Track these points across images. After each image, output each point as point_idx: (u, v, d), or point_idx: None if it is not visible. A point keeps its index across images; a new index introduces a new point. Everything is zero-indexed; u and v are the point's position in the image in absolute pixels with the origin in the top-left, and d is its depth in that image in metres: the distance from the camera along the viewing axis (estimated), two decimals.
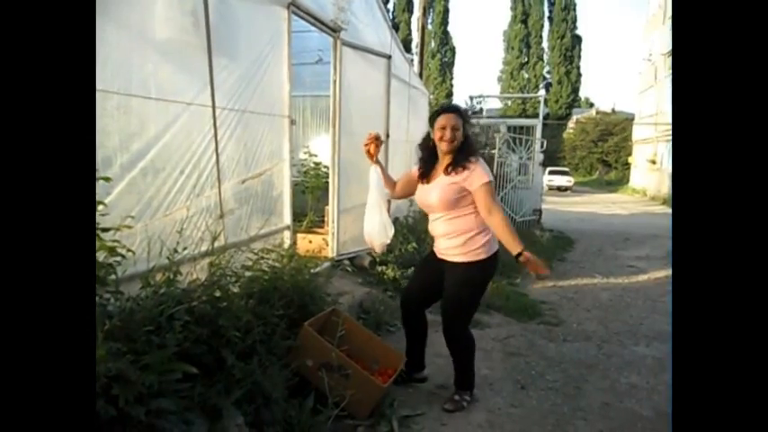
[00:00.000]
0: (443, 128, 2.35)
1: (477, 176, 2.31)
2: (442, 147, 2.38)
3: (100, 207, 1.69)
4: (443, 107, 2.48)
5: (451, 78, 36.41)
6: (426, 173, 2.50)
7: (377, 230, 2.54)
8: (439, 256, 2.55)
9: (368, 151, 2.58)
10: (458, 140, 2.35)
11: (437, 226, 2.49)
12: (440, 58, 35.63)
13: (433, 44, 34.88)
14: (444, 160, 2.43)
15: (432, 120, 2.47)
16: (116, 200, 2.00)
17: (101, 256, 1.65)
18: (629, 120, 29.47)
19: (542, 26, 36.95)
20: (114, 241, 1.70)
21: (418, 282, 2.72)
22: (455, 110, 2.41)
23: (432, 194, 2.43)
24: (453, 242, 2.42)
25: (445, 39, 36.28)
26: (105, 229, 1.67)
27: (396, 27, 28.50)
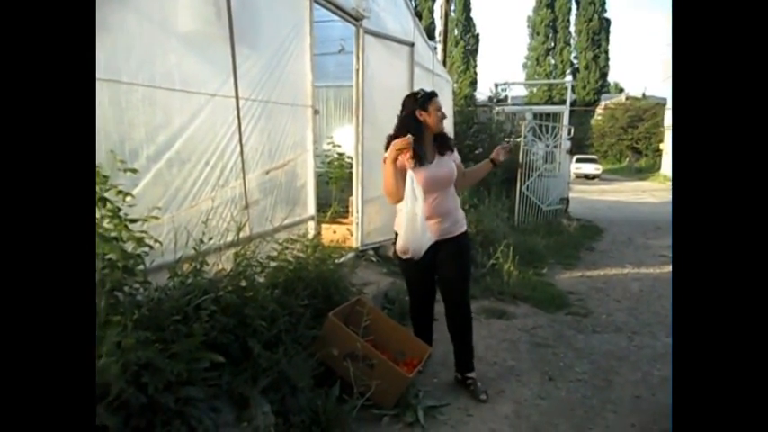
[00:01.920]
0: (439, 109, 2.52)
1: (456, 154, 2.66)
2: (441, 126, 2.54)
3: (128, 198, 1.72)
4: (431, 92, 2.56)
5: (475, 66, 35.78)
6: (422, 154, 2.45)
7: (427, 238, 2.41)
8: (440, 238, 2.50)
9: (396, 158, 2.31)
10: None
11: (443, 202, 2.51)
12: (463, 45, 35.04)
13: (456, 31, 34.36)
14: (429, 140, 2.53)
15: (425, 103, 2.49)
16: (143, 191, 2.02)
17: (129, 246, 1.68)
18: (662, 105, 28.48)
19: (569, 10, 35.93)
20: (142, 232, 1.73)
21: (420, 292, 2.76)
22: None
23: (446, 170, 2.52)
24: (454, 217, 2.58)
25: (468, 26, 35.65)
26: (133, 220, 1.70)
27: (418, 15, 28.14)
